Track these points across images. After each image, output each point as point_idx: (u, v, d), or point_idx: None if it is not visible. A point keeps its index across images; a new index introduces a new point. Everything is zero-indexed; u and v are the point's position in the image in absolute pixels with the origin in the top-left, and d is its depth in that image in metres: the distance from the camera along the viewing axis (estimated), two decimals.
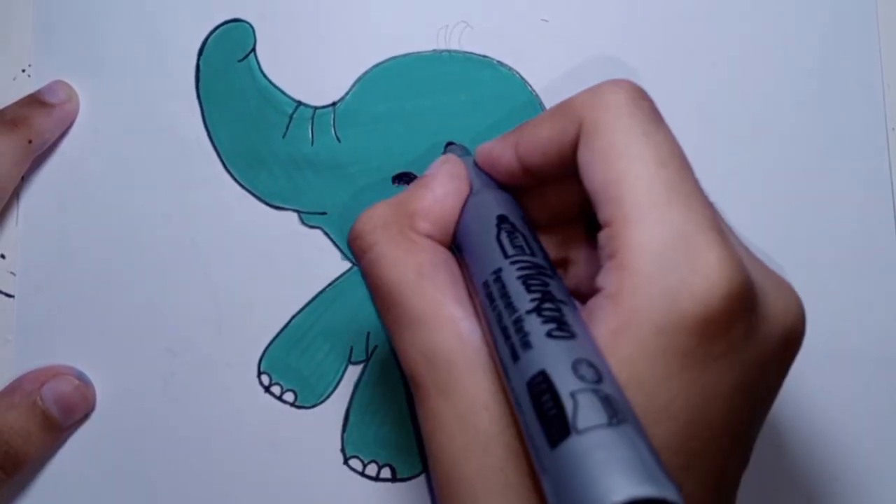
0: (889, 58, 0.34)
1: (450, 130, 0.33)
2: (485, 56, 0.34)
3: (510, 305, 0.21)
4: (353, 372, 0.33)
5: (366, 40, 0.34)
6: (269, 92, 0.33)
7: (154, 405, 0.33)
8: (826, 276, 0.33)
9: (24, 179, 0.34)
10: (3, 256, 0.33)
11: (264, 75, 0.34)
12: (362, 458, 0.33)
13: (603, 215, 0.22)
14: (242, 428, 0.33)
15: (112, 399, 0.33)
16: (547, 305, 0.21)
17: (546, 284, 0.22)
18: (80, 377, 0.33)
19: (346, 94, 0.34)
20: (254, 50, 0.34)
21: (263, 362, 0.33)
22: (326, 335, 0.33)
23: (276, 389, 0.33)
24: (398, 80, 0.34)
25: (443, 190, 0.26)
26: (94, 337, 0.33)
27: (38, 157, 0.33)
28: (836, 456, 0.33)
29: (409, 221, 0.25)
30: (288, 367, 0.33)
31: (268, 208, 0.33)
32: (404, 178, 0.33)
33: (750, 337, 0.21)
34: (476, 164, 0.27)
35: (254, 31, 0.34)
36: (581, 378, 0.19)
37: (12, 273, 0.33)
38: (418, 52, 0.34)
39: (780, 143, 0.34)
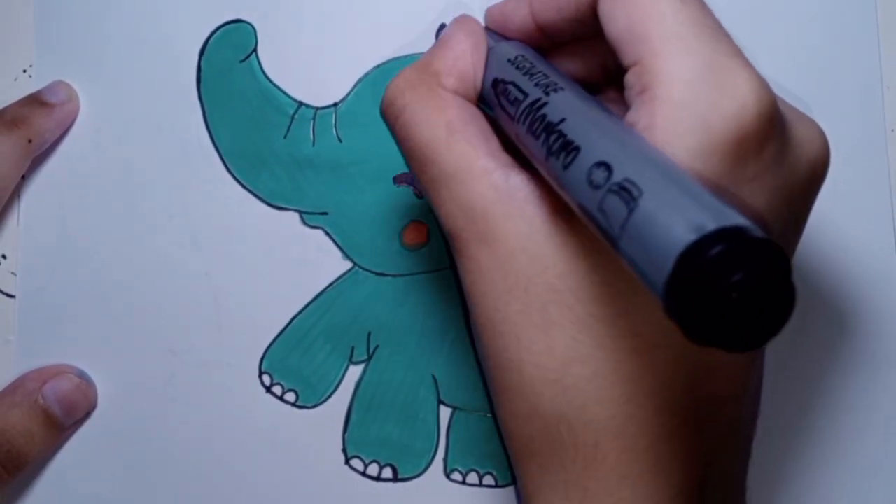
0: (888, 58, 0.34)
1: None
2: None
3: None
4: (355, 372, 0.33)
5: (367, 41, 0.34)
6: (270, 92, 0.33)
7: (155, 405, 0.33)
8: (824, 277, 0.34)
9: (25, 179, 0.34)
10: (4, 257, 0.33)
11: (266, 76, 0.34)
12: (363, 458, 0.33)
13: (629, 57, 0.22)
14: (243, 428, 0.33)
15: (113, 399, 0.33)
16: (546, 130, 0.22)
17: (538, 112, 0.23)
18: (82, 376, 0.33)
19: (348, 94, 0.34)
20: (255, 50, 0.34)
21: (264, 362, 0.33)
22: (328, 335, 0.33)
23: (277, 390, 0.33)
24: None
25: (462, 47, 0.26)
26: (96, 337, 0.33)
27: (39, 157, 0.33)
28: (836, 457, 0.33)
29: (434, 80, 0.26)
30: (289, 368, 0.33)
31: (269, 208, 0.33)
32: (406, 178, 0.33)
33: (779, 161, 0.22)
34: (487, 28, 0.28)
35: (255, 32, 0.34)
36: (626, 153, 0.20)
37: (13, 273, 0.33)
38: (419, 53, 0.34)
39: None
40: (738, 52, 0.22)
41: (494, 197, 0.23)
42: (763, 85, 0.21)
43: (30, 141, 0.32)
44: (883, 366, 0.33)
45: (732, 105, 0.21)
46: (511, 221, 0.23)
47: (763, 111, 0.21)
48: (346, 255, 0.33)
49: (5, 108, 0.33)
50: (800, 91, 0.34)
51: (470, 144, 0.24)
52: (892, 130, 0.34)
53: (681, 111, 0.21)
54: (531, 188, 0.23)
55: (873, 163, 0.34)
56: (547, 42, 0.27)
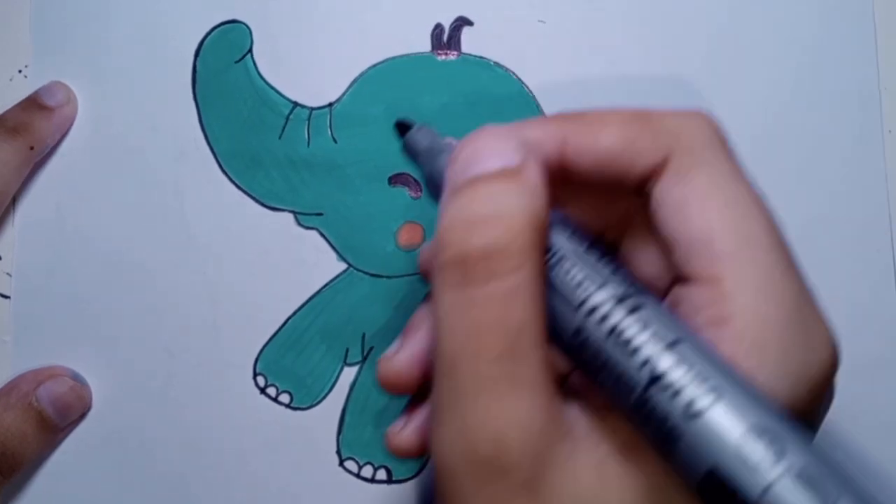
0: (885, 60, 0.34)
1: (446, 131, 0.33)
2: (481, 57, 0.34)
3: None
4: (349, 374, 0.33)
5: (362, 41, 0.34)
6: (265, 93, 0.34)
7: (150, 406, 0.33)
8: (822, 279, 0.33)
9: None
10: None
11: (261, 76, 0.34)
12: (358, 459, 0.33)
13: (694, 268, 0.20)
14: (238, 429, 0.33)
15: (108, 400, 0.33)
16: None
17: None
18: (76, 377, 0.33)
19: (343, 94, 0.34)
20: (250, 51, 0.34)
21: (259, 364, 0.33)
22: (322, 337, 0.33)
23: (271, 391, 0.33)
24: (394, 80, 0.34)
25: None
26: (91, 338, 0.33)
27: None
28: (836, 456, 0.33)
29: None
30: (283, 369, 0.33)
31: (264, 209, 0.33)
32: (401, 179, 0.33)
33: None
34: None
35: (250, 33, 0.34)
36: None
37: (8, 274, 0.33)
38: (414, 53, 0.34)
39: (776, 145, 0.34)
40: (811, 294, 0.21)
41: (551, 435, 0.20)
42: (834, 336, 0.20)
43: (32, 147, 0.32)
44: (883, 367, 0.33)
45: (818, 362, 0.20)
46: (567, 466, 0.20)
47: (835, 366, 0.20)
48: (341, 256, 0.33)
49: (6, 115, 0.33)
50: (798, 92, 0.34)
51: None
52: (890, 132, 0.34)
53: (774, 366, 0.19)
54: (590, 427, 0.20)
55: (870, 164, 0.34)
56: (561, 182, 0.22)
